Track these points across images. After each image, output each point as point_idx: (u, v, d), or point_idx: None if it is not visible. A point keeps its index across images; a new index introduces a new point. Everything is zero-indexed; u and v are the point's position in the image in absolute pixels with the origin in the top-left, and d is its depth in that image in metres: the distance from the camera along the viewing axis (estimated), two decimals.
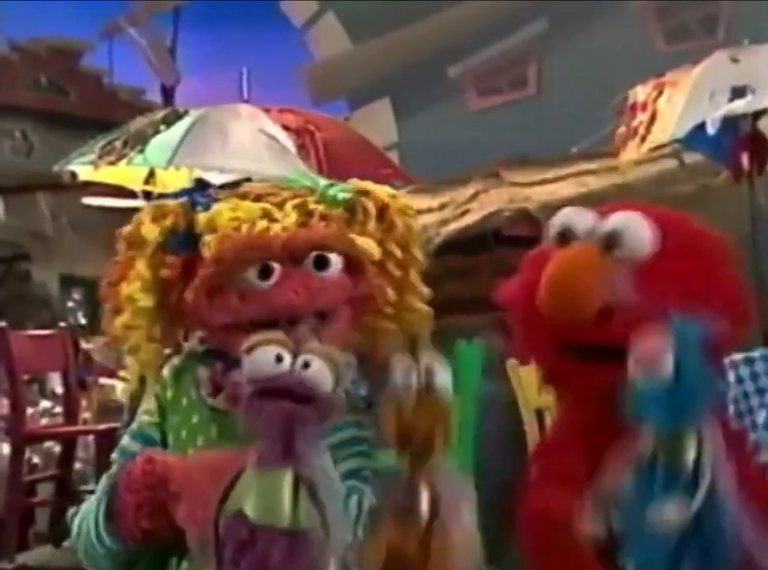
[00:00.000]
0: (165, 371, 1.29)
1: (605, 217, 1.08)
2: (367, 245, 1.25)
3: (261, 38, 5.71)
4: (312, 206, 1.26)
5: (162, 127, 2.56)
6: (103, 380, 4.80)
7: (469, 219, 4.50)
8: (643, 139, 2.28)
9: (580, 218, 1.09)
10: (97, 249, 6.90)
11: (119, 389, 4.97)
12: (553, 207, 4.61)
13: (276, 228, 1.21)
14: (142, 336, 1.26)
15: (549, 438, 1.25)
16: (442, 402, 1.00)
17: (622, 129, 2.46)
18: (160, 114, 2.60)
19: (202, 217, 1.24)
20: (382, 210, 1.29)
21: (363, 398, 1.22)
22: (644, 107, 2.33)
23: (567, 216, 1.10)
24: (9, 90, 6.36)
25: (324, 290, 1.21)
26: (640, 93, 2.39)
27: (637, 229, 1.06)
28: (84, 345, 4.44)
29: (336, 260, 1.22)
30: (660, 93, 2.28)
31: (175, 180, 2.97)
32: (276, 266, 1.20)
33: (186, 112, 2.62)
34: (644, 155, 2.36)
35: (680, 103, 2.12)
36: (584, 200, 4.38)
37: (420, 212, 5.04)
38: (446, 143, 4.95)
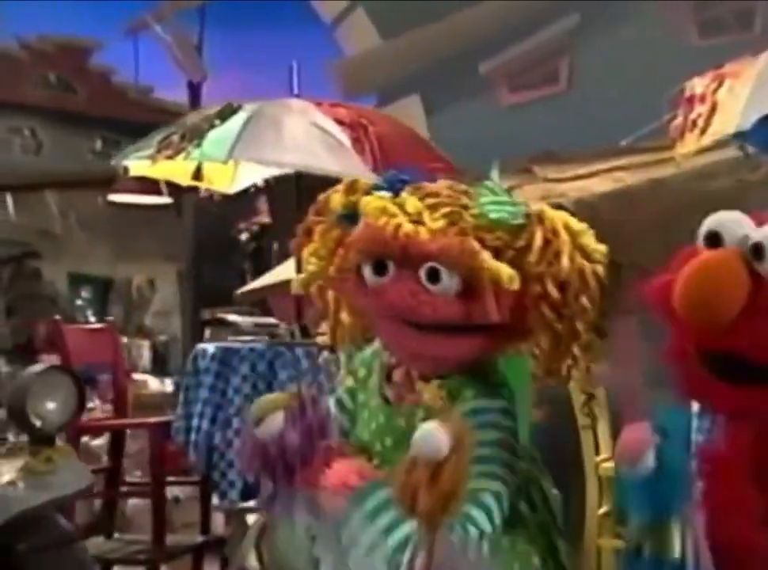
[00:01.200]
0: (366, 351, 1.32)
1: (760, 225, 1.04)
2: (498, 270, 1.17)
3: (289, 35, 5.73)
4: (467, 218, 1.20)
5: (217, 122, 2.59)
6: (136, 376, 4.83)
7: None
8: (703, 132, 2.28)
9: (732, 223, 1.05)
10: (105, 248, 6.90)
11: (152, 384, 4.99)
12: (587, 203, 4.62)
13: (408, 228, 1.18)
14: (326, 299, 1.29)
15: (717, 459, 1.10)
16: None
17: (678, 121, 2.45)
18: (215, 109, 2.63)
19: (361, 201, 1.24)
20: (550, 242, 1.20)
21: (505, 414, 1.19)
22: (702, 99, 2.33)
23: (719, 219, 1.05)
24: (17, 88, 6.37)
25: (428, 303, 1.17)
26: (698, 84, 2.39)
27: None
28: None
29: (449, 276, 1.17)
30: (720, 84, 2.28)
31: (220, 175, 3.00)
32: (391, 266, 1.19)
33: (240, 107, 2.64)
34: (706, 147, 2.36)
35: (744, 94, 2.12)
36: (619, 196, 4.40)
37: None
38: (477, 140, 4.97)
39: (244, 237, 6.90)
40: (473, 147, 4.66)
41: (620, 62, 4.66)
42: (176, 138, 2.57)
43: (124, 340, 5.30)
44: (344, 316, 1.30)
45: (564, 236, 1.20)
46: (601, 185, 4.37)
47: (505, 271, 1.16)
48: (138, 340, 5.99)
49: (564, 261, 1.18)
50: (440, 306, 1.17)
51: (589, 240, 1.22)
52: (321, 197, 1.30)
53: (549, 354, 1.19)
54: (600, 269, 1.20)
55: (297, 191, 2.92)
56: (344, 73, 5.37)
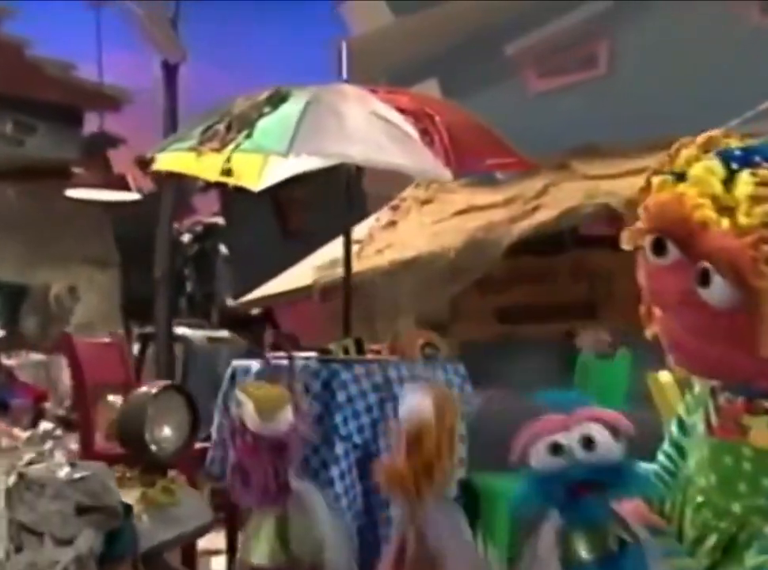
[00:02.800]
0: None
1: None
2: None
3: (285, 9, 5.75)
4: None
5: (267, 109, 2.61)
6: (111, 397, 4.75)
7: (543, 216, 4.57)
8: None
9: None
10: (18, 250, 6.70)
11: None
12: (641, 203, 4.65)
13: (705, 214, 1.11)
14: None
15: None
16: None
17: None
18: (262, 95, 2.65)
19: (694, 164, 1.18)
20: None
21: None
22: None
23: None
24: None
25: (693, 307, 1.12)
26: None
27: None
28: (4, 361, 4.31)
29: (721, 285, 1.10)
30: None
31: (249, 169, 3.02)
32: (673, 249, 1.14)
33: (289, 93, 2.67)
34: None
35: None
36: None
37: (481, 208, 5.06)
38: (502, 131, 5.04)
39: (186, 238, 6.84)
40: None
41: (669, 43, 4.73)
42: (221, 127, 2.58)
43: (41, 356, 5.16)
44: None
45: None
46: None
47: None
48: (57, 356, 5.86)
49: None
50: (704, 316, 1.11)
51: None
52: (673, 148, 1.24)
53: None
54: None
55: (347, 188, 2.96)
56: (350, 54, 5.38)
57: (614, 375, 2.77)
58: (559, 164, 4.76)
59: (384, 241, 4.67)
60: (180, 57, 6.13)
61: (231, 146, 2.52)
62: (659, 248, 1.18)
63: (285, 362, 2.74)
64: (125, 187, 6.04)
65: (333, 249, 4.92)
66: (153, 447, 1.70)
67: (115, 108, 6.97)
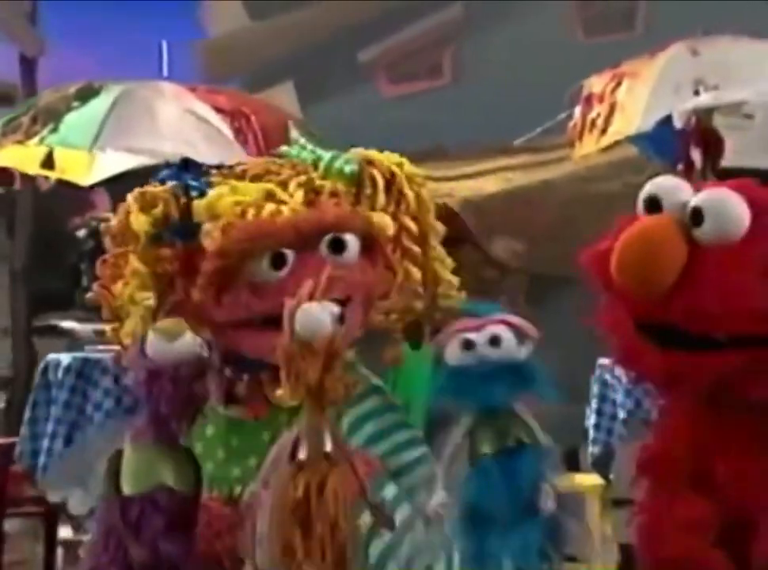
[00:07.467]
0: None
1: (698, 191, 1.08)
2: (381, 219, 1.29)
3: (143, 9, 5.63)
4: (319, 183, 1.28)
5: (75, 103, 2.56)
6: None
7: None
8: (602, 132, 2.47)
9: (671, 188, 1.09)
10: None
11: None
12: (476, 204, 4.80)
13: (285, 211, 1.22)
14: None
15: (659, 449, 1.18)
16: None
17: (577, 121, 2.64)
18: (72, 88, 2.59)
19: (200, 204, 1.24)
20: (390, 181, 1.34)
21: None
22: (600, 98, 2.52)
23: (658, 184, 1.10)
24: None
25: (342, 277, 1.20)
26: (596, 83, 2.58)
27: (727, 209, 1.03)
28: None
29: (353, 241, 1.24)
30: (619, 83, 2.47)
31: (75, 163, 2.94)
32: (290, 253, 1.22)
33: (102, 87, 2.62)
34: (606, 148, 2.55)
35: (644, 94, 2.32)
36: (509, 196, 4.62)
37: None
38: (355, 133, 5.08)
39: (82, 233, 6.65)
40: (352, 141, 4.74)
41: (507, 57, 4.89)
42: (25, 120, 2.51)
43: None
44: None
45: (396, 170, 1.35)
46: (491, 185, 4.58)
47: (384, 219, 1.30)
48: None
49: (409, 194, 1.34)
50: (352, 275, 1.23)
51: (411, 168, 1.39)
52: (114, 224, 1.30)
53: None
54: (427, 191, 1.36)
55: None
56: (205, 55, 5.33)
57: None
58: None
59: None
60: (38, 51, 5.91)
61: (35, 140, 2.45)
62: (279, 262, 1.24)
63: (97, 355, 2.69)
64: None
65: None
66: None
67: None
